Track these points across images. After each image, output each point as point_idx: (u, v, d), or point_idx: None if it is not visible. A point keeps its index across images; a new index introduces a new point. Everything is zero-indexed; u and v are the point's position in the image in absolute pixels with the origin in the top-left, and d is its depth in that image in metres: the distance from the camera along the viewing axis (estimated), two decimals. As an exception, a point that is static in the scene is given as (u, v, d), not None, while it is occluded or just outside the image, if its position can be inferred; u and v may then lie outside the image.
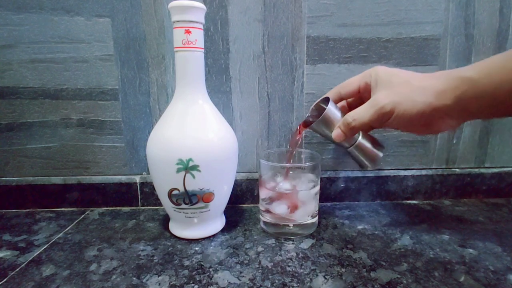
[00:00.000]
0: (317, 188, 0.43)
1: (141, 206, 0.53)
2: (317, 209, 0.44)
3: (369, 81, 0.38)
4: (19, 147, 0.51)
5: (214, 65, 0.50)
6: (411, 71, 0.37)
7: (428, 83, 0.33)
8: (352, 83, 0.40)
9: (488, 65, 0.31)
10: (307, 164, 0.46)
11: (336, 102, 0.41)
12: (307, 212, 0.42)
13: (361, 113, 0.36)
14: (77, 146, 0.51)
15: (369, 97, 0.37)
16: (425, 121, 0.34)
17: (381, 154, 0.41)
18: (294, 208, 0.42)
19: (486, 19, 0.50)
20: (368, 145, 0.40)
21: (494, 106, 0.31)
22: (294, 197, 0.43)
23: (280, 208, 0.42)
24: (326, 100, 0.40)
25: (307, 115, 0.46)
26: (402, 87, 0.34)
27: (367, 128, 0.39)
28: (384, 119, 0.35)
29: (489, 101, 0.31)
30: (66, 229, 0.45)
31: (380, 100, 0.35)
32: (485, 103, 0.31)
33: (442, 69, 0.51)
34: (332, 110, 0.39)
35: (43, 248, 0.40)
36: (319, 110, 0.42)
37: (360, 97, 0.40)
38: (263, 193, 0.44)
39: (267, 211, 0.43)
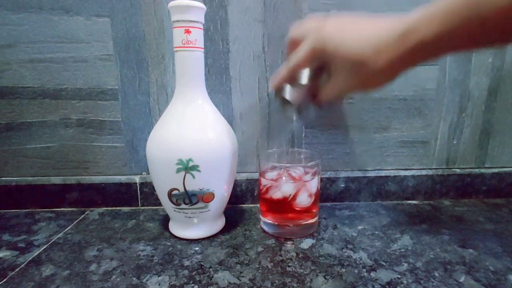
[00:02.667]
0: (317, 185, 0.43)
1: (141, 206, 0.53)
2: (315, 209, 0.44)
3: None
4: (19, 147, 0.51)
5: (214, 65, 0.50)
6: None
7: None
8: None
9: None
10: (307, 164, 0.46)
11: None
12: (306, 198, 0.42)
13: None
14: (77, 146, 0.51)
15: None
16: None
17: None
18: (297, 192, 0.42)
19: (486, 19, 0.50)
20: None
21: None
22: (299, 182, 0.42)
23: (287, 187, 0.42)
24: None
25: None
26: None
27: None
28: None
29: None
30: (66, 229, 0.45)
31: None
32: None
33: (443, 70, 0.51)
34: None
35: (42, 248, 0.40)
36: None
37: None
38: (271, 174, 0.43)
39: (268, 190, 0.42)
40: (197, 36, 0.38)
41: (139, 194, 0.52)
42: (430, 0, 0.27)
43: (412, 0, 0.49)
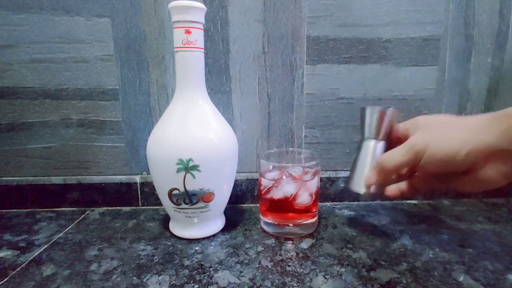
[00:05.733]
0: (317, 184, 0.43)
1: (141, 206, 0.53)
2: (315, 209, 0.44)
3: (409, 128, 0.37)
4: (20, 147, 0.51)
5: (214, 65, 0.50)
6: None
7: (469, 121, 0.31)
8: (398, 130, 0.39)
9: None
10: (307, 164, 0.46)
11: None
12: (307, 197, 0.42)
13: (393, 154, 0.35)
14: (77, 146, 0.51)
15: None
16: (462, 163, 0.30)
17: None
18: (298, 191, 0.42)
19: (486, 20, 0.50)
20: None
21: None
22: (300, 181, 0.42)
23: (288, 186, 0.42)
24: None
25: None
26: (440, 127, 0.34)
27: (400, 170, 0.36)
28: (416, 158, 0.33)
29: None
30: (67, 229, 0.45)
31: (413, 139, 0.34)
32: None
33: (442, 70, 0.51)
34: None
35: (43, 248, 0.40)
36: None
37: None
38: (272, 174, 0.43)
39: (269, 190, 0.42)
40: (198, 36, 0.38)
41: (139, 194, 0.52)
42: None
43: (412, 1, 0.49)
